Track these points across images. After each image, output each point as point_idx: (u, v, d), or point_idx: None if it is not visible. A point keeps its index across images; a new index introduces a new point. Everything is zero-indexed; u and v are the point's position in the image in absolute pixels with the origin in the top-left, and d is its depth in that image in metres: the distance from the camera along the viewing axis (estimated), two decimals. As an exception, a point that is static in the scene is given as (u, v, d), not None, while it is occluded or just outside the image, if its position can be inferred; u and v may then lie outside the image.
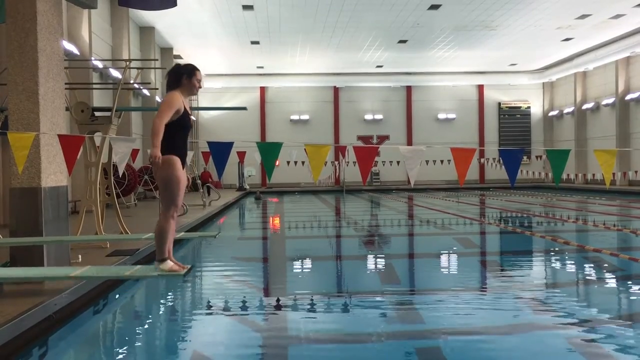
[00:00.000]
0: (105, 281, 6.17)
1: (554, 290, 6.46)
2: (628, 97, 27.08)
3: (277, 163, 6.21)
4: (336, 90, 34.05)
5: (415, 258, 9.29)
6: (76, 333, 4.91)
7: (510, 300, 5.77)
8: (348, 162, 22.91)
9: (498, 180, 31.66)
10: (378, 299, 5.88)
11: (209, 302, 5.99)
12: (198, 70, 4.64)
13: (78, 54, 15.32)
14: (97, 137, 8.83)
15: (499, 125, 34.89)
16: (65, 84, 7.46)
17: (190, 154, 15.50)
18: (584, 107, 30.69)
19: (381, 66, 31.19)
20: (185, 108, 4.47)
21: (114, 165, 9.38)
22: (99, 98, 17.14)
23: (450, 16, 21.47)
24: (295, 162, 20.39)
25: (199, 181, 18.86)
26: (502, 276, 7.25)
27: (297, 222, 15.04)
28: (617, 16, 21.83)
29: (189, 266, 4.45)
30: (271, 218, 16.49)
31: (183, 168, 4.37)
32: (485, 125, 34.73)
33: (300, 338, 4.60)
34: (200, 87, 4.67)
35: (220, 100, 32.66)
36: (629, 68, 27.33)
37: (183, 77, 4.49)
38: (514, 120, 34.95)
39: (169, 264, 4.27)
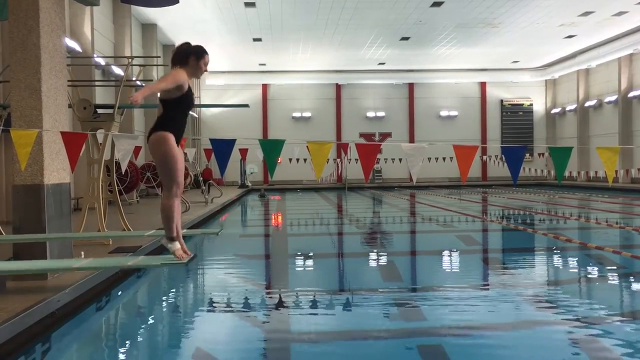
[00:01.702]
0: (108, 278, 6.19)
1: (556, 287, 6.46)
2: (631, 95, 27.00)
3: (279, 160, 6.20)
4: (338, 87, 34.01)
5: (417, 255, 9.29)
6: (79, 330, 4.93)
7: (512, 298, 5.77)
8: (350, 159, 22.88)
9: (500, 178, 31.61)
10: (380, 296, 5.89)
11: (211, 299, 6.01)
12: (207, 53, 4.55)
13: (80, 51, 15.32)
14: (100, 134, 8.83)
15: (501, 122, 34.82)
16: (68, 81, 7.46)
17: (192, 151, 15.51)
18: (587, 104, 30.60)
19: (383, 63, 31.14)
20: (189, 86, 4.41)
21: (116, 162, 9.40)
22: (102, 95, 17.15)
23: (453, 13, 21.42)
24: (298, 160, 20.31)
25: (201, 178, 18.86)
26: (505, 274, 7.25)
27: (299, 219, 15.05)
28: (620, 13, 21.75)
29: (191, 254, 4.46)
30: (273, 215, 16.50)
31: (178, 145, 4.31)
32: (488, 123, 34.67)
33: (302, 335, 4.61)
34: (205, 70, 4.60)
35: (223, 97, 32.63)
36: (631, 65, 27.23)
37: (191, 57, 4.43)
38: (516, 118, 34.88)
39: (177, 245, 4.27)
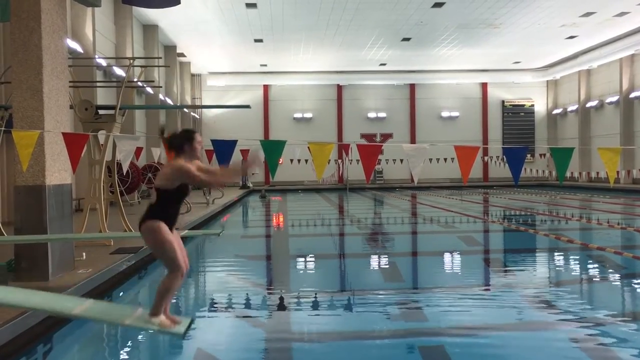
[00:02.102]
0: (109, 278, 6.21)
1: (557, 288, 6.45)
2: (632, 95, 26.97)
3: (280, 161, 6.21)
4: (339, 88, 34.02)
5: (418, 256, 9.29)
6: (81, 330, 4.93)
7: (514, 299, 5.77)
8: (351, 160, 22.88)
9: (502, 179, 31.54)
10: (382, 297, 5.88)
11: (212, 300, 6.01)
12: (195, 133, 4.49)
13: (82, 52, 15.34)
14: (101, 135, 8.84)
15: (502, 123, 34.80)
16: (69, 82, 7.47)
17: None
18: (588, 105, 30.58)
19: (385, 64, 31.14)
20: None
21: (117, 163, 9.41)
22: (103, 96, 17.16)
23: (454, 14, 21.41)
24: (299, 160, 20.37)
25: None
26: (506, 274, 7.25)
27: (301, 220, 15.05)
28: (622, 14, 21.73)
29: (185, 321, 4.22)
30: (274, 216, 16.50)
31: (171, 230, 4.18)
32: (489, 123, 34.66)
33: (304, 336, 4.61)
34: (201, 147, 4.53)
35: (224, 98, 32.65)
36: (633, 66, 27.21)
37: (184, 145, 4.36)
38: (517, 118, 34.86)
39: (161, 317, 4.11)
